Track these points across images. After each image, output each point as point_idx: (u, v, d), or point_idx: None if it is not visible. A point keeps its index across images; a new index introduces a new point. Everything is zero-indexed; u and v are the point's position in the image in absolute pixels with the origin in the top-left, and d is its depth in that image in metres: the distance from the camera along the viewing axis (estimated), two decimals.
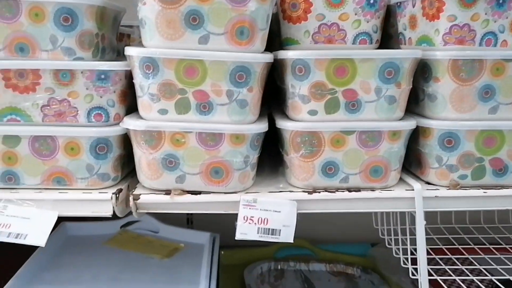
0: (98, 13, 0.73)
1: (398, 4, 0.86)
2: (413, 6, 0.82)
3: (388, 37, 0.94)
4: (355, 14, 0.87)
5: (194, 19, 0.69)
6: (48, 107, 0.73)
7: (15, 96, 0.72)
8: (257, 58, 0.71)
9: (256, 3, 0.69)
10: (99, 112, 0.75)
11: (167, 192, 0.75)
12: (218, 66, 0.70)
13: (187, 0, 0.68)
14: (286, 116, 0.79)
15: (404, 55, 0.72)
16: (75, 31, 0.71)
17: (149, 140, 0.73)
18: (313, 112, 0.74)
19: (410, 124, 0.75)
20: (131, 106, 0.79)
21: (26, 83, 0.72)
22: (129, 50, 0.71)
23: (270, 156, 0.91)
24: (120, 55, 0.95)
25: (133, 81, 0.74)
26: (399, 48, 0.94)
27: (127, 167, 0.82)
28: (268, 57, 0.72)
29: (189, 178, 0.74)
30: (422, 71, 0.77)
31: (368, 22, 0.87)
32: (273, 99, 0.94)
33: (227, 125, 0.72)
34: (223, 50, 0.70)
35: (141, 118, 0.74)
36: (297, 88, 0.74)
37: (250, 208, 0.75)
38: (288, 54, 0.73)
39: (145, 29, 0.70)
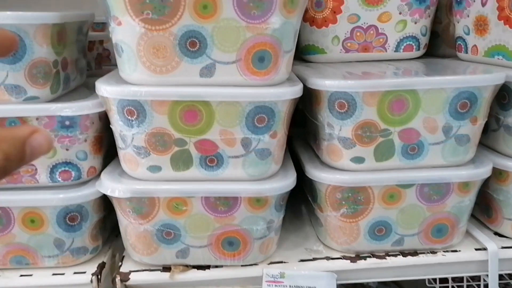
0: (54, 34, 0.52)
1: None
2: (483, 5, 0.61)
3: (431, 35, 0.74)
4: (400, 14, 0.66)
5: (193, 44, 0.48)
6: None
7: None
8: (283, 94, 0.50)
9: (281, 18, 0.48)
10: (67, 168, 0.55)
11: (166, 267, 0.57)
12: (229, 107, 0.50)
13: (182, 17, 0.46)
14: (317, 158, 0.60)
15: (486, 82, 0.52)
16: (23, 61, 0.50)
17: (138, 208, 0.53)
18: (358, 160, 0.55)
19: (486, 171, 0.56)
20: (111, 149, 0.59)
21: None
22: (102, 89, 0.50)
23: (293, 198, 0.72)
24: (91, 69, 0.73)
25: (111, 127, 0.53)
26: (450, 53, 0.74)
27: (109, 228, 0.63)
28: (298, 90, 0.52)
29: (194, 252, 0.56)
30: (499, 95, 0.57)
31: (416, 23, 0.66)
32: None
33: (243, 185, 0.53)
34: (235, 84, 0.50)
35: (125, 174, 0.55)
36: (336, 129, 0.54)
37: (276, 285, 0.56)
38: (325, 85, 0.52)
39: (122, 59, 0.49)
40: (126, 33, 0.47)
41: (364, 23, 0.67)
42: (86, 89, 0.63)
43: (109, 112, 0.52)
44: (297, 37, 0.52)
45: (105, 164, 0.59)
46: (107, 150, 0.59)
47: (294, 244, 0.62)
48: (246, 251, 0.56)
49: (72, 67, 0.58)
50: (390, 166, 0.55)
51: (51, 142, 0.24)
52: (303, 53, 0.71)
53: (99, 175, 0.56)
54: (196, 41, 0.47)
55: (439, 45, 0.79)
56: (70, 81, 0.58)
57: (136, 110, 0.50)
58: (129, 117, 0.50)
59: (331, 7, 0.66)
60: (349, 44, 0.68)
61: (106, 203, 0.58)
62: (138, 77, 0.49)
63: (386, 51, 0.69)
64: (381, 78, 0.51)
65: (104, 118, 0.55)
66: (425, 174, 0.54)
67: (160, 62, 0.48)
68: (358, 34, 0.68)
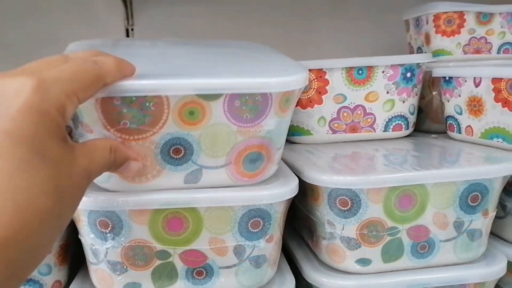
0: None
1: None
2: (476, 86, 0.59)
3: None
4: (387, 93, 0.64)
5: (177, 151, 0.41)
6: None
7: None
8: (279, 195, 0.44)
9: (276, 119, 0.42)
10: (29, 286, 0.46)
11: None
12: (219, 213, 0.44)
13: (164, 126, 0.40)
14: (313, 255, 0.54)
15: (497, 173, 0.48)
16: None
17: None
18: (364, 261, 0.49)
19: (501, 268, 0.51)
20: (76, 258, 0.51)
21: None
22: None
23: None
24: None
25: (79, 237, 0.46)
26: (435, 129, 0.72)
27: None
28: (294, 188, 0.46)
29: None
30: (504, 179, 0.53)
31: (404, 102, 0.64)
32: None
33: None
34: (224, 185, 0.44)
35: None
36: (338, 228, 0.48)
37: None
38: (325, 180, 0.47)
39: None
40: None
41: (351, 103, 0.64)
42: None
43: (77, 222, 0.44)
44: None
45: (70, 275, 0.50)
46: (72, 262, 0.51)
47: None
48: None
49: None
50: (399, 267, 0.49)
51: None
52: (288, 134, 0.67)
53: None
54: (181, 148, 0.41)
55: (423, 120, 0.77)
56: None
57: (111, 222, 0.42)
58: (103, 229, 0.43)
59: (316, 87, 0.62)
60: (336, 125, 0.64)
61: None
62: (114, 185, 0.42)
63: (375, 131, 0.65)
64: (387, 173, 0.46)
65: (70, 225, 0.48)
66: (439, 276, 0.49)
67: (140, 172, 0.41)
68: (345, 114, 0.64)
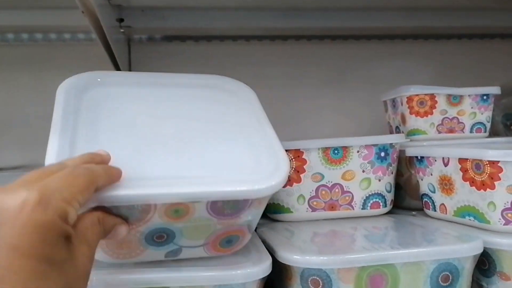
0: None
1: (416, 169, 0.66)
2: (445, 165, 0.61)
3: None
4: (363, 172, 0.66)
5: (160, 237, 0.43)
6: None
7: None
8: (252, 275, 0.45)
9: (254, 211, 0.45)
10: None
11: None
12: None
13: (151, 220, 0.42)
14: None
15: (467, 252, 0.49)
16: None
17: None
18: None
19: None
20: None
21: None
22: None
23: None
24: None
25: None
26: (415, 206, 0.73)
27: None
28: (268, 268, 0.47)
29: None
30: (478, 261, 0.54)
31: (380, 180, 0.66)
32: None
33: None
34: (199, 257, 0.45)
35: None
36: None
37: None
38: (296, 260, 0.48)
39: None
40: None
41: (329, 181, 0.66)
42: None
43: None
44: None
45: None
46: None
47: None
48: None
49: None
50: None
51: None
52: (269, 212, 0.68)
53: None
54: (164, 235, 0.43)
55: (403, 197, 0.78)
56: None
57: None
58: None
59: (294, 166, 0.65)
60: (315, 203, 0.66)
61: None
62: (99, 258, 0.43)
63: (353, 209, 0.67)
64: (356, 253, 0.47)
65: None
66: None
67: (124, 251, 0.43)
68: (323, 192, 0.66)
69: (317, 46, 1.06)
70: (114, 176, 0.38)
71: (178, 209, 0.41)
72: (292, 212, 0.66)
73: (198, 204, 0.41)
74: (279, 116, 0.99)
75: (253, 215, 0.45)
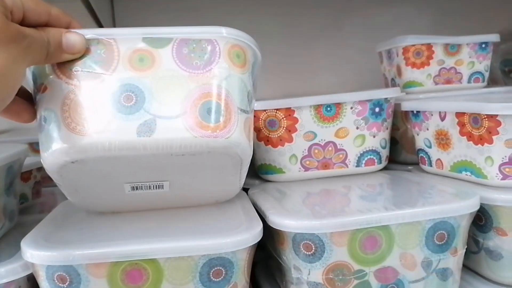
0: None
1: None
2: (442, 119, 0.59)
3: None
4: (357, 128, 0.63)
5: (128, 99, 0.41)
6: None
7: None
8: (241, 242, 0.44)
9: (226, 69, 0.42)
10: None
11: None
12: (180, 263, 0.43)
13: (116, 71, 0.40)
14: None
15: (463, 210, 0.48)
16: None
17: None
18: None
19: None
20: None
21: None
22: (28, 254, 0.42)
23: None
24: (27, 200, 0.66)
25: None
26: (411, 160, 0.72)
27: None
28: (257, 234, 0.45)
29: None
30: (475, 216, 0.53)
31: (374, 136, 0.64)
32: None
33: None
34: (181, 142, 0.41)
35: None
36: (304, 273, 0.47)
37: None
38: (288, 225, 0.46)
39: (47, 130, 0.40)
40: (51, 96, 0.40)
41: (322, 139, 0.64)
42: (18, 233, 0.55)
43: (36, 277, 0.44)
44: (252, 101, 0.46)
45: None
46: None
47: None
48: None
49: (2, 216, 0.50)
50: None
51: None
52: (260, 172, 0.66)
53: None
54: (132, 95, 0.41)
55: (399, 152, 0.77)
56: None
57: (68, 276, 0.41)
58: (60, 284, 0.42)
59: (285, 126, 0.62)
60: (307, 162, 0.64)
61: None
62: (62, 145, 0.40)
63: (347, 166, 0.65)
64: (349, 216, 0.46)
65: (33, 279, 0.47)
66: None
67: (92, 118, 0.39)
68: (316, 151, 0.64)
69: None
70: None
71: (143, 57, 0.41)
72: (284, 172, 0.64)
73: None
74: (272, 68, 0.97)
75: (226, 75, 0.42)
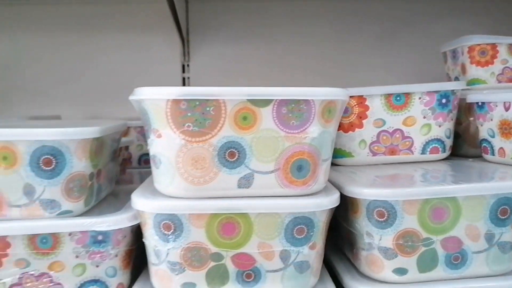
0: (93, 147, 0.52)
1: (480, 104, 0.67)
2: (506, 110, 0.62)
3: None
4: (424, 118, 0.68)
5: (231, 154, 0.48)
6: (20, 287, 0.50)
7: None
8: (322, 204, 0.50)
9: (319, 127, 0.49)
10: (94, 286, 0.52)
11: None
12: (268, 219, 0.49)
13: (222, 129, 0.47)
14: (354, 268, 0.57)
15: None
16: (62, 176, 0.50)
17: None
18: (401, 271, 0.52)
19: None
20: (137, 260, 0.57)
21: None
22: (138, 203, 0.49)
23: None
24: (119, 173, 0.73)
25: (144, 241, 0.52)
26: (473, 153, 0.75)
27: None
28: (336, 199, 0.51)
29: None
30: None
31: (440, 126, 0.68)
32: None
33: None
34: (273, 195, 0.49)
35: None
36: (376, 238, 0.52)
37: None
38: (363, 193, 0.52)
39: (159, 170, 0.49)
40: (164, 146, 0.48)
41: (390, 127, 0.68)
42: (114, 198, 0.62)
43: (143, 226, 0.51)
44: (334, 145, 0.52)
45: (131, 279, 0.56)
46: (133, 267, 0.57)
47: None
48: None
49: (105, 178, 0.58)
50: (434, 277, 0.53)
51: None
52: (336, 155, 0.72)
53: None
54: (235, 151, 0.48)
55: (461, 145, 0.80)
56: (102, 192, 0.58)
57: (173, 224, 0.48)
58: (165, 232, 0.49)
59: (356, 112, 0.68)
60: (376, 148, 0.69)
61: None
62: (175, 190, 0.48)
63: (413, 153, 0.69)
64: (420, 186, 0.51)
65: (136, 231, 0.54)
66: (471, 286, 0.52)
67: (198, 173, 0.48)
68: (384, 137, 0.68)
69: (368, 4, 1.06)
70: None
71: (246, 115, 0.47)
72: (353, 156, 0.69)
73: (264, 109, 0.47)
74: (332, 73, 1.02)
75: (318, 133, 0.48)
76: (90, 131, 0.51)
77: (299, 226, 0.49)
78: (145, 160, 0.88)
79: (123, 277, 0.54)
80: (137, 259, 0.58)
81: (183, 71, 1.04)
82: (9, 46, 1.01)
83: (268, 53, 1.04)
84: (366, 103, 0.67)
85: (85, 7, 1.02)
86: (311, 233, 0.50)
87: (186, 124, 0.47)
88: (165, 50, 1.02)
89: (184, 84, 1.03)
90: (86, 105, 1.03)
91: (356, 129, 0.68)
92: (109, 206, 0.57)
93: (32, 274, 0.50)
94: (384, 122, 0.68)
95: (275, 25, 1.05)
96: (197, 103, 0.46)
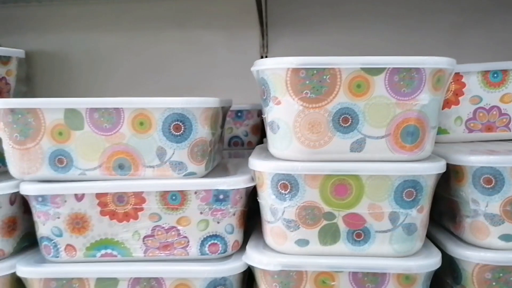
0: (213, 116, 0.58)
1: None
2: None
3: None
4: None
5: (345, 120, 0.51)
6: (152, 238, 0.57)
7: (112, 226, 0.56)
8: (432, 169, 0.52)
9: (429, 95, 0.51)
10: (215, 241, 0.57)
11: None
12: (379, 181, 0.52)
13: (337, 96, 0.51)
14: (455, 237, 0.59)
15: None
16: (188, 141, 0.56)
17: (286, 283, 0.54)
18: (508, 238, 0.54)
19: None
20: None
21: (126, 208, 0.56)
22: (257, 164, 0.54)
23: None
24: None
25: (259, 200, 0.57)
26: None
27: None
28: (443, 166, 0.53)
29: None
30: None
31: None
32: None
33: (392, 261, 0.53)
34: (383, 159, 0.52)
35: (269, 248, 0.56)
36: (482, 205, 0.54)
37: None
38: (470, 160, 0.53)
39: (277, 135, 0.54)
40: (283, 111, 0.52)
41: (487, 104, 0.69)
42: (222, 168, 0.67)
43: (260, 186, 0.55)
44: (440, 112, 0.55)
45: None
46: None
47: None
48: None
49: (217, 147, 0.64)
50: None
51: None
52: None
53: (240, 249, 0.59)
54: (349, 117, 0.51)
55: None
56: (215, 160, 0.64)
57: (289, 184, 0.53)
58: (282, 191, 0.53)
59: (453, 89, 0.69)
60: (472, 125, 0.70)
61: (248, 277, 0.59)
62: (292, 153, 0.53)
63: (510, 130, 0.70)
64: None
65: (249, 194, 0.59)
66: None
67: (314, 137, 0.52)
68: (480, 114, 0.69)
69: None
70: None
71: (360, 83, 0.50)
72: (448, 133, 0.70)
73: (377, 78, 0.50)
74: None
75: (428, 100, 0.51)
76: (212, 101, 0.56)
77: (408, 189, 0.52)
78: (234, 142, 0.93)
79: (238, 235, 0.59)
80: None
81: None
82: (105, 42, 1.09)
83: (344, 44, 1.06)
84: (463, 80, 0.68)
85: (174, 2, 1.07)
86: (419, 197, 0.53)
87: (304, 91, 0.51)
88: (246, 42, 1.06)
89: None
90: (171, 95, 1.08)
91: (452, 106, 0.69)
92: (222, 172, 0.63)
93: (162, 227, 0.56)
94: (480, 99, 0.69)
95: (352, 16, 1.06)
96: (315, 71, 0.50)
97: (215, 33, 1.08)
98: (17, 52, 0.70)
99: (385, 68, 0.50)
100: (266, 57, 1.08)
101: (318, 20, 1.08)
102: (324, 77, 0.51)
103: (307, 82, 0.51)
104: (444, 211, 0.63)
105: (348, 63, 0.50)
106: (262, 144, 0.74)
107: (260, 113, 0.93)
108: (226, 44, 1.07)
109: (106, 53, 1.07)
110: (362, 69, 0.50)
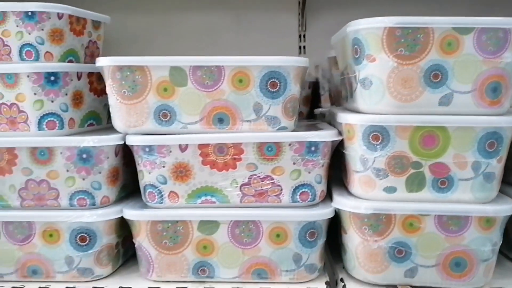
0: (302, 75, 0.62)
1: None
2: None
3: None
4: None
5: (435, 76, 0.56)
6: (249, 186, 0.62)
7: (212, 174, 0.62)
8: (508, 123, 0.57)
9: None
10: (306, 190, 0.62)
11: (390, 286, 0.61)
12: (464, 133, 0.57)
13: (429, 53, 0.55)
14: None
15: None
16: (282, 97, 0.61)
17: (375, 226, 0.59)
18: None
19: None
20: None
21: (226, 159, 0.61)
22: (349, 118, 0.59)
23: None
24: None
25: (345, 152, 0.62)
26: None
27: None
28: None
29: (422, 272, 0.60)
30: None
31: None
32: None
33: (475, 206, 0.58)
34: (468, 113, 0.57)
35: (353, 196, 0.61)
36: None
37: None
38: None
39: (369, 90, 0.58)
40: (377, 68, 0.57)
41: None
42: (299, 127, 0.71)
43: (350, 139, 0.60)
44: None
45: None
46: None
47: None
48: (472, 273, 0.59)
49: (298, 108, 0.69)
50: None
51: None
52: None
53: (325, 198, 0.64)
54: (439, 73, 0.56)
55: None
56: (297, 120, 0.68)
57: (381, 136, 0.57)
58: (374, 142, 0.58)
59: None
60: None
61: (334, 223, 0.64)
62: (384, 107, 0.58)
63: None
64: None
65: (332, 148, 0.64)
66: None
67: (406, 92, 0.56)
68: None
69: None
70: None
71: (451, 41, 0.55)
72: None
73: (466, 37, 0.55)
74: None
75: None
76: (304, 60, 0.61)
77: (490, 140, 0.57)
78: None
79: (324, 185, 0.64)
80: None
81: (300, 41, 1.11)
82: (144, 20, 1.11)
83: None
84: None
85: None
86: (500, 148, 0.57)
87: (399, 49, 0.55)
88: (284, 21, 1.09)
89: (300, 54, 1.10)
90: None
91: None
92: (305, 128, 0.68)
93: (258, 176, 0.62)
94: None
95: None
96: (410, 30, 0.55)
97: (255, 14, 1.10)
98: (105, 18, 0.75)
99: (474, 28, 0.55)
100: (304, 36, 1.10)
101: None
102: (418, 35, 0.55)
103: (402, 40, 0.55)
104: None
105: (440, 23, 0.55)
106: (335, 106, 0.78)
107: (310, 85, 0.97)
108: (266, 24, 1.09)
109: (160, 30, 1.10)
110: (454, 28, 0.55)
